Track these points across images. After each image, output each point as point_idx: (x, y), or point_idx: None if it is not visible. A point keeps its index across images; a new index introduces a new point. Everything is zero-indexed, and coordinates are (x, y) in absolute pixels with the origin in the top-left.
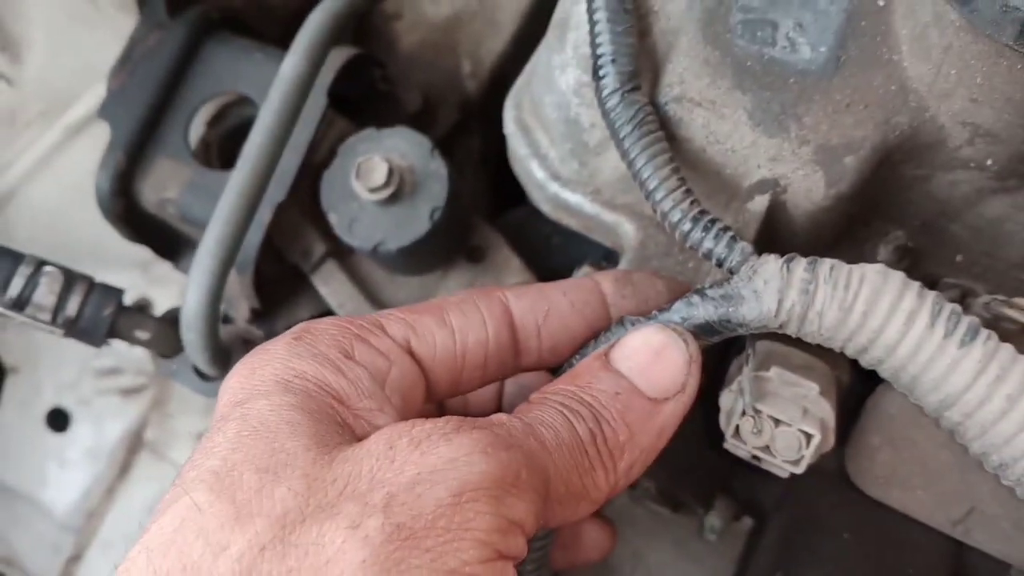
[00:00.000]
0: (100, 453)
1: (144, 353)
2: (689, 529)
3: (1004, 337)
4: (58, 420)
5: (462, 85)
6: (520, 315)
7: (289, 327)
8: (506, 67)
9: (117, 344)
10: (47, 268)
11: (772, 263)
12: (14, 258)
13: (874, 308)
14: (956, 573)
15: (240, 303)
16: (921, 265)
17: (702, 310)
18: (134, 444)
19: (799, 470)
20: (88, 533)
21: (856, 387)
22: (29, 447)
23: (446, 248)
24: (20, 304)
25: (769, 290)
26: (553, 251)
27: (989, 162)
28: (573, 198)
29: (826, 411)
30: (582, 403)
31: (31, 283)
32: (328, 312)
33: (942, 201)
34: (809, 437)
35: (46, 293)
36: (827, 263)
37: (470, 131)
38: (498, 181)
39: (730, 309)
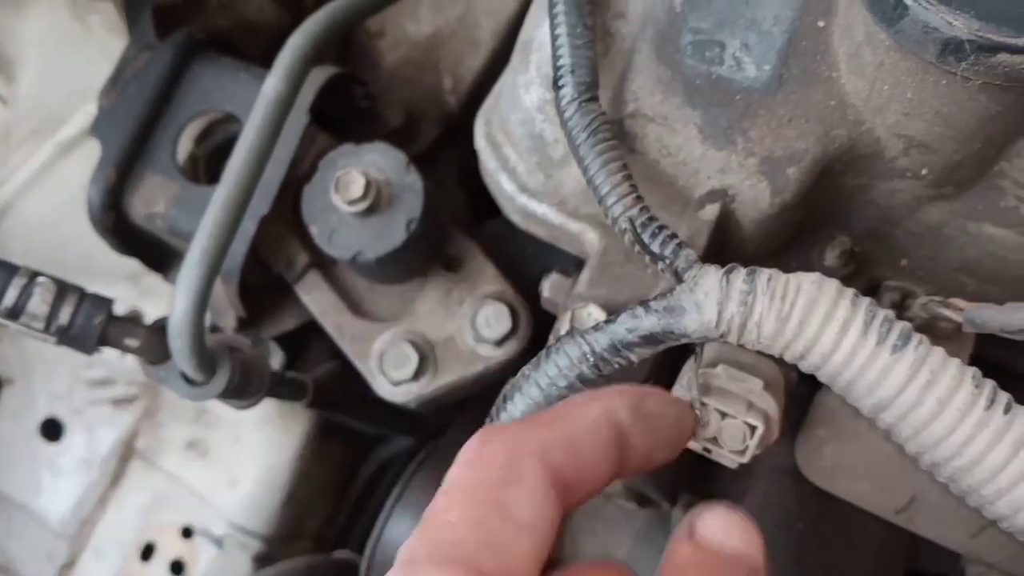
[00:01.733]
0: (93, 462)
1: (135, 364)
2: (656, 523)
3: (941, 336)
4: (51, 430)
5: (443, 101)
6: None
7: (274, 335)
8: (485, 83)
9: (108, 355)
10: (40, 279)
11: (712, 275)
12: (9, 270)
13: (809, 317)
14: (909, 561)
15: (227, 312)
16: (868, 269)
17: (646, 321)
18: (126, 453)
19: (745, 460)
20: (81, 540)
21: (805, 383)
22: (23, 456)
23: (423, 257)
24: (15, 313)
25: (709, 302)
26: (528, 260)
27: (924, 171)
28: (540, 209)
29: (770, 404)
30: None
31: (25, 293)
32: (311, 321)
33: (883, 208)
34: (753, 429)
35: (39, 303)
36: (765, 274)
37: (451, 145)
38: (478, 193)
39: (672, 320)
